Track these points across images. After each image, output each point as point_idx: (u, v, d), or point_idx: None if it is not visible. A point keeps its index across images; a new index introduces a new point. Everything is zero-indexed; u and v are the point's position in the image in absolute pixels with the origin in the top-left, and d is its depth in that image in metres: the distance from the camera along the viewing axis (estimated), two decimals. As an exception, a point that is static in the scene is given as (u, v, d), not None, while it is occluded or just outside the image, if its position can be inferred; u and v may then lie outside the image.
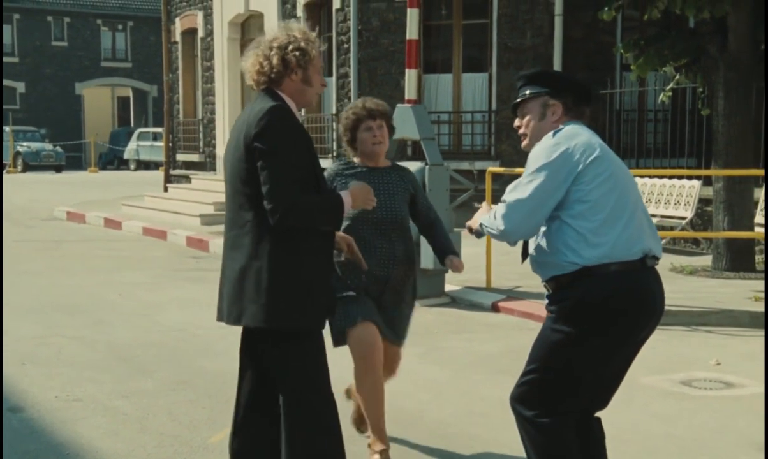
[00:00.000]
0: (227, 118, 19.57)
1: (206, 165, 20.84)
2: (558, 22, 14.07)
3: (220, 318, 3.65)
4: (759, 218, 10.53)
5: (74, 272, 11.15)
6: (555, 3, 13.57)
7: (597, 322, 3.39)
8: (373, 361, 4.48)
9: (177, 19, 21.89)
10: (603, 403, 3.63)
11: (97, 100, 47.50)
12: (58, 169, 36.87)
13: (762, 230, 10.30)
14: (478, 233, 3.70)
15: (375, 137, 4.62)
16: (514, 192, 3.44)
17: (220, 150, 19.79)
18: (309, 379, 3.53)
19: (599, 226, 3.36)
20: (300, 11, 16.97)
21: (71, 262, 12.07)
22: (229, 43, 19.51)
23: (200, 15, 20.71)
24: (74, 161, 40.36)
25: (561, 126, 3.54)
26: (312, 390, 3.53)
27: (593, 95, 3.88)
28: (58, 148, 38.26)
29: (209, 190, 17.56)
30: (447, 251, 4.65)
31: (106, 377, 6.36)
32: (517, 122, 3.71)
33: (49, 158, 37.10)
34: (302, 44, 3.54)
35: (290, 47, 3.52)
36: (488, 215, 3.55)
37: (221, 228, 16.08)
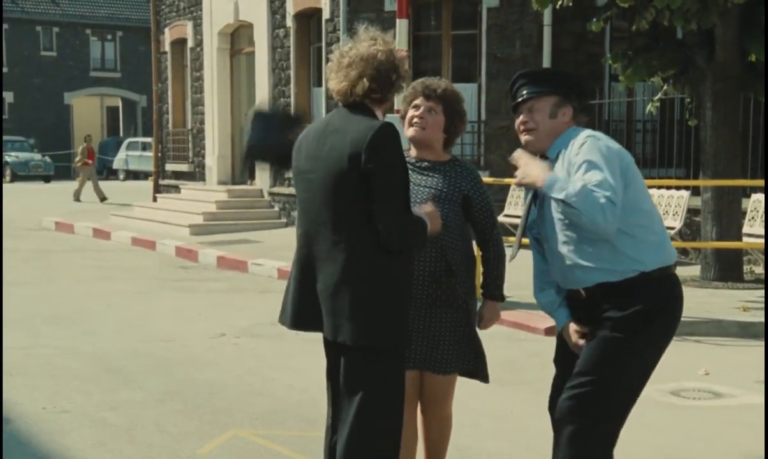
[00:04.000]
0: (217, 128, 19.55)
1: (195, 175, 20.80)
2: (547, 32, 14.10)
3: (292, 325, 3.61)
4: (747, 228, 10.56)
5: (62, 282, 11.11)
6: (544, 14, 13.60)
7: (659, 329, 3.46)
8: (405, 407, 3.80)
9: (166, 29, 21.87)
10: None
11: (87, 110, 47.38)
12: (47, 179, 36.75)
13: (750, 240, 10.34)
14: (537, 197, 3.54)
15: (414, 120, 3.93)
16: (601, 178, 3.26)
17: (210, 160, 19.77)
18: (387, 397, 3.49)
19: (655, 232, 3.45)
20: (290, 21, 16.98)
21: (59, 272, 12.03)
22: (218, 54, 19.49)
23: (190, 25, 20.70)
24: (63, 171, 40.19)
25: (572, 129, 3.54)
26: (387, 409, 3.50)
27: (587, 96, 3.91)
28: (47, 158, 38.15)
29: (198, 200, 17.54)
30: (487, 291, 4.01)
31: (94, 388, 6.33)
32: (522, 118, 3.58)
33: (37, 168, 36.99)
34: (394, 62, 3.50)
35: (394, 70, 3.49)
36: (570, 189, 3.27)
37: (210, 238, 16.02)
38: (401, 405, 3.53)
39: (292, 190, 15.22)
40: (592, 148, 3.36)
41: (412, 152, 3.99)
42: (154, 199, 20.27)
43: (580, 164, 3.34)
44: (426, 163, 3.94)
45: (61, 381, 6.52)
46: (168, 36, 21.81)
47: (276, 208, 17.07)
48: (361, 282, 3.39)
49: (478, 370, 4.03)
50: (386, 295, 3.42)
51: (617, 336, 3.41)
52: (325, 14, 15.96)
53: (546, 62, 14.01)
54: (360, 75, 3.45)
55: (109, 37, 47.49)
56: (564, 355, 3.71)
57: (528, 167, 3.43)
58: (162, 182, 21.81)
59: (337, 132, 3.46)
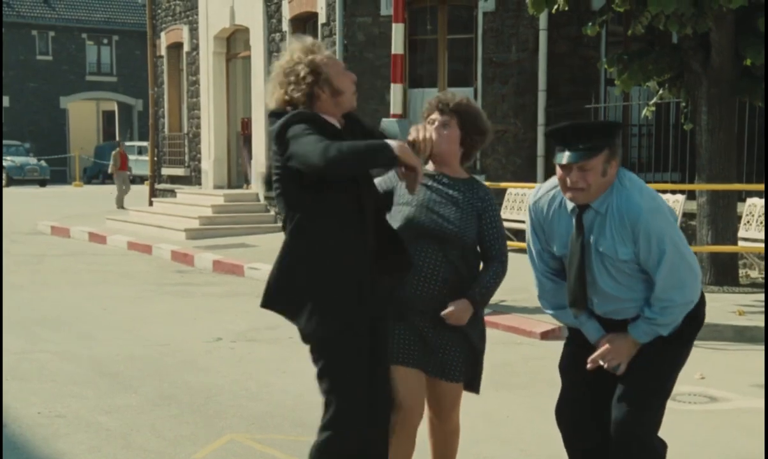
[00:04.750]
0: (213, 132, 19.54)
1: (191, 179, 20.78)
2: (543, 37, 14.12)
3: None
4: (743, 232, 10.57)
5: (58, 286, 11.09)
6: (540, 18, 13.61)
7: (693, 335, 3.64)
8: (406, 411, 3.84)
9: (162, 34, 21.87)
10: None
11: (82, 115, 47.37)
12: (43, 183, 36.72)
13: (746, 244, 10.35)
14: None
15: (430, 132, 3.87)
16: (682, 267, 3.44)
17: (206, 164, 19.76)
18: (339, 385, 3.54)
19: (694, 265, 3.54)
20: (285, 26, 16.99)
21: (55, 276, 12.01)
22: (214, 58, 19.50)
23: (186, 29, 20.70)
24: (59, 175, 40.20)
25: (617, 173, 3.51)
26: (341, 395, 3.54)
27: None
28: (43, 162, 38.13)
29: (194, 204, 17.52)
30: (470, 291, 3.84)
31: (89, 392, 6.32)
32: (573, 178, 3.39)
33: (33, 172, 36.97)
34: (311, 66, 3.55)
35: (303, 76, 3.53)
36: (663, 329, 3.49)
37: (206, 242, 16.02)
38: (359, 391, 3.52)
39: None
40: (662, 226, 3.40)
41: (430, 166, 3.95)
42: (150, 203, 20.25)
43: (660, 259, 3.40)
44: (445, 179, 3.91)
45: (56, 385, 6.51)
46: (164, 40, 21.81)
47: (272, 212, 17.06)
48: (293, 270, 3.52)
49: (474, 381, 4.01)
50: (312, 283, 3.48)
51: (671, 347, 3.53)
52: (321, 19, 15.97)
53: (542, 67, 14.03)
54: (279, 85, 3.57)
55: (105, 41, 47.49)
56: (575, 364, 3.68)
57: (618, 353, 3.52)
58: (158, 186, 21.79)
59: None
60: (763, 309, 8.43)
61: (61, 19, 45.83)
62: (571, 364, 3.73)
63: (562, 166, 3.41)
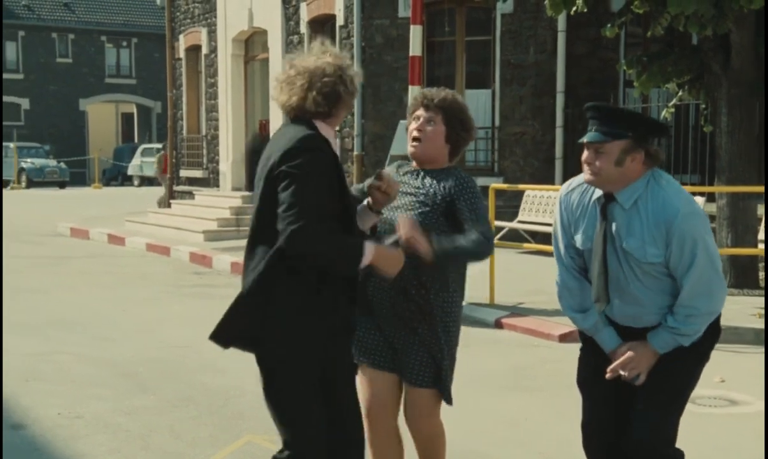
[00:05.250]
0: (231, 134, 19.61)
1: (210, 181, 20.86)
2: (561, 38, 14.09)
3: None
4: (762, 235, 10.51)
5: (77, 288, 11.15)
6: (558, 19, 13.58)
7: (711, 347, 3.58)
8: (374, 415, 3.84)
9: (181, 36, 21.96)
10: None
11: (101, 117, 47.64)
12: (62, 185, 36.92)
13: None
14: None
15: (413, 132, 3.81)
16: (712, 275, 3.37)
17: (224, 166, 19.82)
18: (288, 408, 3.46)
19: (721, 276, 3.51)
20: (303, 28, 17.02)
21: (74, 278, 12.07)
22: (232, 60, 19.56)
23: (204, 32, 20.77)
24: (78, 177, 40.42)
25: (650, 172, 3.40)
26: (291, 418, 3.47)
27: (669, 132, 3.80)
28: (62, 165, 38.33)
29: (213, 206, 17.57)
30: (437, 237, 3.60)
31: (109, 394, 6.35)
32: (586, 157, 3.38)
33: (53, 174, 37.17)
34: (342, 76, 3.38)
35: (332, 82, 3.35)
36: (684, 339, 3.42)
37: (224, 244, 16.06)
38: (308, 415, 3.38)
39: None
40: (695, 230, 3.33)
41: (414, 164, 3.87)
42: (169, 205, 20.33)
43: (691, 264, 3.33)
44: (421, 172, 3.81)
45: (75, 387, 6.54)
46: (183, 43, 21.89)
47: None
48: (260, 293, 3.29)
49: (443, 390, 3.80)
50: (276, 309, 3.28)
51: (689, 359, 3.49)
52: (339, 21, 15.99)
53: (560, 68, 14.01)
54: (306, 87, 3.35)
55: (124, 43, 47.77)
56: (592, 376, 3.63)
57: (638, 363, 3.46)
58: (176, 188, 21.87)
59: (273, 141, 3.41)
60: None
61: (80, 22, 46.15)
62: (589, 379, 3.66)
63: (584, 145, 3.40)
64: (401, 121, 9.45)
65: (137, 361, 7.34)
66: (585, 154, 3.39)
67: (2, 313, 8.53)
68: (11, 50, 44.60)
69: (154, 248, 15.09)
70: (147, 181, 37.94)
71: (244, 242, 3.49)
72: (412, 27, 9.62)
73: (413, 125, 3.82)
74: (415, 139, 3.79)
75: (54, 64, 45.55)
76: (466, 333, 8.43)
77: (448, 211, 3.69)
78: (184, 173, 22.07)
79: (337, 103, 3.38)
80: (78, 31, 46.11)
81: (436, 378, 3.76)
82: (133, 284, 11.58)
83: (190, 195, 20.58)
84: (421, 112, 3.80)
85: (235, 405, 6.11)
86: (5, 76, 43.90)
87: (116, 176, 41.13)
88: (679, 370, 3.49)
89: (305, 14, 16.94)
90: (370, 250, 3.29)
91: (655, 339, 3.44)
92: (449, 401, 3.83)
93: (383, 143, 13.89)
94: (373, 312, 3.77)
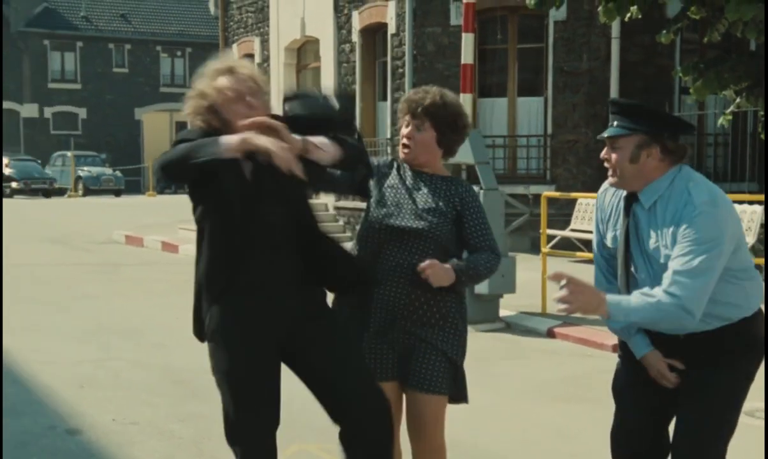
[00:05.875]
0: (283, 142, 19.72)
1: (262, 189, 21.00)
2: (615, 45, 13.95)
3: None
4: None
5: (132, 296, 11.28)
6: (612, 26, 13.46)
7: (753, 366, 3.44)
8: None
9: (234, 45, 22.17)
10: None
11: (156, 125, 48.23)
12: (118, 193, 37.46)
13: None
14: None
15: (403, 140, 3.72)
16: (691, 270, 3.10)
17: (276, 174, 19.94)
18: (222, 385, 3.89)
19: (754, 280, 3.38)
20: (355, 37, 17.08)
21: (129, 285, 12.22)
22: (285, 69, 19.70)
23: (257, 41, 20.95)
24: (133, 185, 40.96)
25: (675, 170, 3.28)
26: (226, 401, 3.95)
27: (693, 129, 3.69)
28: (118, 173, 38.90)
29: (265, 214, 17.67)
30: (457, 260, 3.59)
31: (162, 401, 6.40)
32: (604, 154, 3.34)
33: (108, 182, 37.72)
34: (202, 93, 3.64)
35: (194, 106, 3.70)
36: (652, 309, 3.11)
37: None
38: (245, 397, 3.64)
39: (357, 204, 15.27)
40: (707, 225, 3.12)
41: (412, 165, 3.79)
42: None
43: (688, 251, 3.12)
44: (424, 176, 3.71)
45: (130, 393, 6.61)
46: (236, 52, 22.09)
47: (341, 222, 17.14)
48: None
49: (458, 395, 3.74)
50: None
51: (731, 379, 3.37)
52: (391, 29, 16.01)
53: (614, 75, 13.87)
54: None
55: (179, 53, 48.36)
56: (628, 384, 3.56)
57: (577, 296, 3.09)
58: (229, 196, 22.04)
59: None
60: None
61: (136, 33, 46.87)
62: (623, 386, 3.61)
63: (602, 142, 3.37)
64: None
65: (191, 368, 7.39)
66: (604, 150, 3.35)
67: (1, 311, 8.67)
68: (70, 61, 45.47)
69: (207, 256, 15.19)
70: (200, 189, 38.28)
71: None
72: (464, 35, 9.61)
73: (403, 131, 3.73)
74: (404, 146, 3.71)
75: (111, 73, 46.32)
76: (517, 342, 8.42)
77: (456, 217, 3.64)
78: (237, 181, 22.24)
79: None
80: (134, 42, 46.84)
81: (452, 382, 3.67)
82: (186, 292, 11.62)
83: (242, 203, 20.72)
84: (409, 118, 3.71)
85: (287, 412, 6.05)
86: (65, 86, 44.88)
87: (170, 184, 41.56)
88: (736, 397, 3.40)
89: (357, 23, 17.00)
90: (230, 137, 3.37)
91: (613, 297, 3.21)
92: (467, 400, 3.77)
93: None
94: (378, 321, 3.65)
